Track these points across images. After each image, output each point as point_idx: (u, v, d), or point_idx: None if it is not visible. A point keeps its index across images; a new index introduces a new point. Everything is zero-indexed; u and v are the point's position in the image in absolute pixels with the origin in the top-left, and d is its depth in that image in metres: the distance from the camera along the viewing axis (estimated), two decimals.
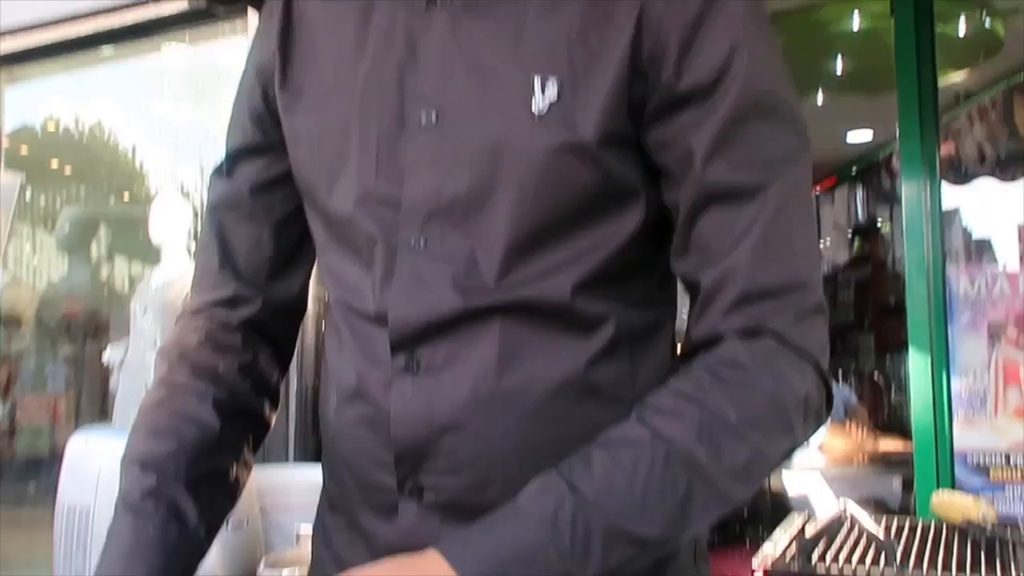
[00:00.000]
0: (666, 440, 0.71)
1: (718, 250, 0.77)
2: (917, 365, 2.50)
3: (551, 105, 0.77)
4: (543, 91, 0.77)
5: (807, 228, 0.81)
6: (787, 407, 0.75)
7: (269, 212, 0.95)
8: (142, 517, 0.83)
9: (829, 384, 0.79)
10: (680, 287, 0.88)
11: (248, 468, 0.95)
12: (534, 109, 0.77)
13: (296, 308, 1.01)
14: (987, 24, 3.77)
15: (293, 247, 0.96)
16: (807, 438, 0.79)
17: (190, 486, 0.86)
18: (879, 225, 6.39)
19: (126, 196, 5.23)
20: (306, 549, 2.28)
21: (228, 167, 0.97)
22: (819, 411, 0.78)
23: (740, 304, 0.76)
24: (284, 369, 1.01)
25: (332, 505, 0.95)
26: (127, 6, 3.27)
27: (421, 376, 0.81)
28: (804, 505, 2.66)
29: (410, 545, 0.80)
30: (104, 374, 4.10)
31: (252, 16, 3.06)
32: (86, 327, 4.60)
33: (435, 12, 0.82)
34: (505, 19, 0.80)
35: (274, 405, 0.99)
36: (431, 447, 0.81)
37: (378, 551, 0.74)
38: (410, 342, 0.81)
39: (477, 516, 0.80)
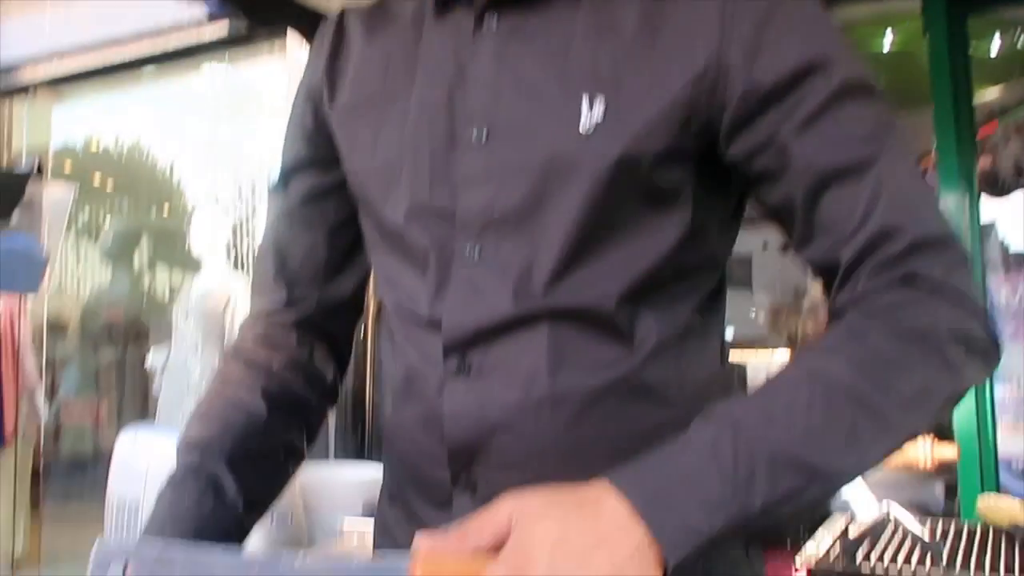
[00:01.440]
0: (824, 375, 0.71)
1: (853, 220, 0.76)
2: None
3: (599, 122, 0.79)
4: (591, 108, 0.79)
5: (929, 189, 0.80)
6: (946, 344, 0.73)
7: (323, 218, 0.98)
8: (181, 489, 0.85)
9: (993, 327, 0.76)
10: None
11: (298, 458, 0.97)
12: (582, 126, 0.79)
13: (351, 308, 1.02)
14: (1020, 43, 3.77)
15: (347, 250, 0.98)
16: (976, 380, 0.77)
17: (231, 464, 0.87)
18: None
19: (166, 209, 5.33)
20: (349, 543, 2.31)
21: (283, 183, 1.00)
22: (986, 351, 0.75)
23: (888, 264, 0.75)
24: (342, 367, 1.03)
25: (391, 497, 0.96)
26: (170, 31, 3.33)
27: (472, 378, 0.83)
28: (844, 508, 2.64)
29: None
30: (144, 378, 4.16)
31: (291, 38, 3.11)
32: (127, 333, 4.68)
33: (482, 38, 0.85)
34: (551, 42, 0.83)
35: (329, 400, 1.01)
36: (483, 446, 0.83)
37: None
38: (462, 346, 0.83)
39: None
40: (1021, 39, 3.69)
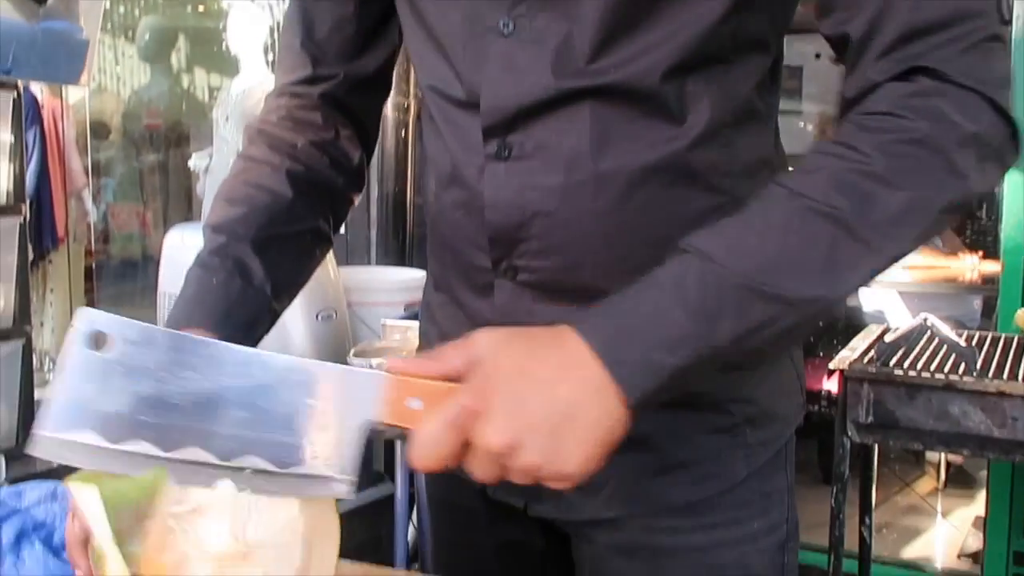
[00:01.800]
0: (802, 195, 0.68)
1: None
2: (1012, 183, 2.43)
3: None
4: None
5: None
6: (948, 148, 0.68)
7: None
8: (207, 270, 0.85)
9: (1012, 120, 0.70)
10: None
11: (324, 242, 0.97)
12: None
13: (379, 85, 0.99)
14: None
15: (376, 23, 0.95)
16: (989, 185, 0.73)
17: (257, 246, 0.87)
18: None
19: (202, 7, 5.20)
20: (391, 339, 2.39)
21: None
22: (1000, 150, 0.70)
23: (894, 46, 0.70)
24: (368, 149, 1.01)
25: (436, 284, 0.97)
26: None
27: (513, 161, 0.81)
28: (880, 322, 2.65)
29: (507, 320, 0.82)
30: (188, 180, 4.20)
31: None
32: (168, 137, 4.69)
33: None
34: None
35: (356, 184, 0.99)
36: (523, 231, 0.81)
37: (478, 325, 0.75)
38: (502, 128, 0.80)
39: (569, 295, 0.81)
40: None
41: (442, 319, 0.95)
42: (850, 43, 0.73)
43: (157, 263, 2.92)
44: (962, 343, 1.92)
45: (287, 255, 0.91)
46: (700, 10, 0.77)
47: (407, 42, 0.92)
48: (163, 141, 4.66)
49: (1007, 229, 2.46)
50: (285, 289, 0.91)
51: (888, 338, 1.99)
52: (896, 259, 0.70)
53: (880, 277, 0.71)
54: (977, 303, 3.14)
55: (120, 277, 4.60)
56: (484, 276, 0.85)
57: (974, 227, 3.49)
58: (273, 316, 0.90)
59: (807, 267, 0.67)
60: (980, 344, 2.02)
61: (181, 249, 2.65)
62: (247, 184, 0.91)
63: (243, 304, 0.85)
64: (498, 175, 0.82)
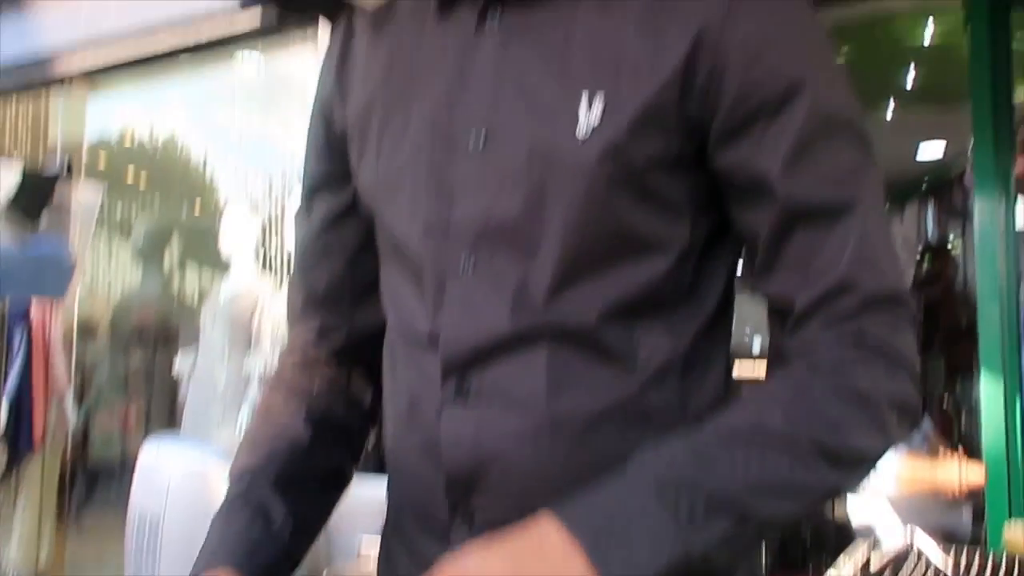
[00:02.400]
0: (764, 426, 0.72)
1: (814, 267, 0.76)
2: (990, 390, 2.44)
3: (597, 123, 0.77)
4: (589, 108, 0.78)
5: (891, 241, 0.81)
6: (884, 409, 0.75)
7: (344, 245, 0.98)
8: (231, 516, 0.87)
9: (921, 392, 0.79)
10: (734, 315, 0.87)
11: (344, 481, 0.99)
12: (580, 128, 0.78)
13: (383, 330, 1.03)
14: None
15: (372, 275, 0.98)
16: (900, 441, 0.80)
17: (278, 488, 0.89)
18: (950, 244, 6.22)
19: (197, 206, 5.36)
20: (367, 566, 2.29)
21: (306, 207, 1.00)
22: (914, 415, 0.78)
23: (841, 317, 0.76)
24: (380, 389, 1.02)
25: (393, 527, 0.96)
26: (203, 20, 3.36)
27: (471, 403, 0.82)
28: (869, 533, 2.59)
29: None
30: (173, 382, 4.20)
31: (323, 30, 3.12)
32: (156, 336, 4.72)
33: (484, 36, 0.84)
34: (553, 40, 0.81)
35: (370, 423, 1.02)
36: (481, 474, 0.82)
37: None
38: (461, 367, 0.82)
39: None
40: None
41: (399, 567, 0.93)
42: (795, 305, 0.78)
43: (135, 469, 2.86)
44: (949, 569, 1.87)
45: (308, 496, 0.92)
46: (649, 261, 0.80)
47: (382, 278, 0.95)
48: (151, 339, 4.68)
49: (987, 438, 2.45)
50: (306, 530, 0.92)
51: (874, 563, 1.93)
52: (841, 492, 0.78)
53: (870, 487, 0.79)
54: (967, 513, 3.08)
55: (96, 484, 4.50)
56: (441, 520, 0.84)
57: (958, 433, 3.48)
58: (293, 560, 0.90)
59: (768, 491, 0.71)
60: (968, 568, 1.96)
61: (156, 466, 2.59)
62: (267, 430, 0.94)
63: (265, 547, 0.86)
64: (456, 416, 0.82)
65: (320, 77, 0.99)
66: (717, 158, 0.79)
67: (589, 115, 0.78)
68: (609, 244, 0.79)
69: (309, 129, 1.00)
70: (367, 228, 0.95)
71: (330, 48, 0.99)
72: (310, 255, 0.99)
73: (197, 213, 5.30)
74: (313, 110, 1.00)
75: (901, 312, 0.77)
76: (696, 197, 0.81)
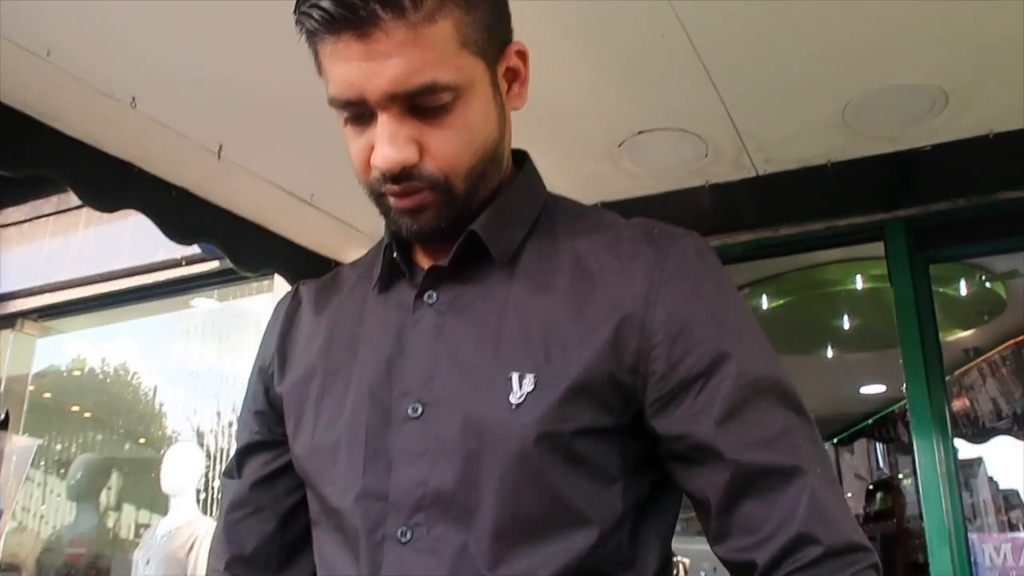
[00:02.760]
0: None
1: (770, 526, 0.78)
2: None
3: (527, 397, 0.80)
4: (520, 385, 0.81)
5: (842, 495, 0.83)
6: None
7: (275, 505, 0.98)
8: None
9: None
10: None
11: None
12: (512, 400, 0.81)
13: None
14: (988, 285, 3.88)
15: (301, 537, 0.97)
16: None
17: None
18: (901, 477, 6.26)
19: (142, 440, 5.25)
20: None
21: (237, 466, 1.01)
22: None
23: (805, 565, 0.78)
24: None
25: None
26: (162, 266, 3.44)
27: None
28: None
29: None
30: None
31: (279, 276, 3.20)
32: (87, 574, 4.47)
33: (423, 310, 0.88)
34: (486, 317, 0.86)
35: None
36: None
37: None
38: None
39: None
40: (986, 282, 3.79)
41: None
42: (756, 567, 0.79)
43: None
44: None
45: None
46: (585, 529, 0.81)
47: (314, 542, 0.93)
48: None
49: None
50: None
51: None
52: None
53: None
54: None
55: None
56: None
57: None
58: None
59: None
60: None
61: None
62: None
63: None
64: None
65: (263, 341, 1.03)
66: (656, 424, 0.82)
67: (520, 390, 0.81)
68: (543, 513, 0.80)
69: (247, 390, 1.02)
70: (299, 488, 0.95)
71: (275, 317, 1.02)
72: (239, 513, 0.98)
73: (143, 442, 5.18)
74: (251, 376, 1.02)
75: (862, 558, 0.79)
76: (629, 462, 0.83)
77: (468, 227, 0.87)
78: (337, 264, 3.17)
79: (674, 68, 2.09)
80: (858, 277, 3.77)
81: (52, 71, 2.00)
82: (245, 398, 1.02)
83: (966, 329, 4.31)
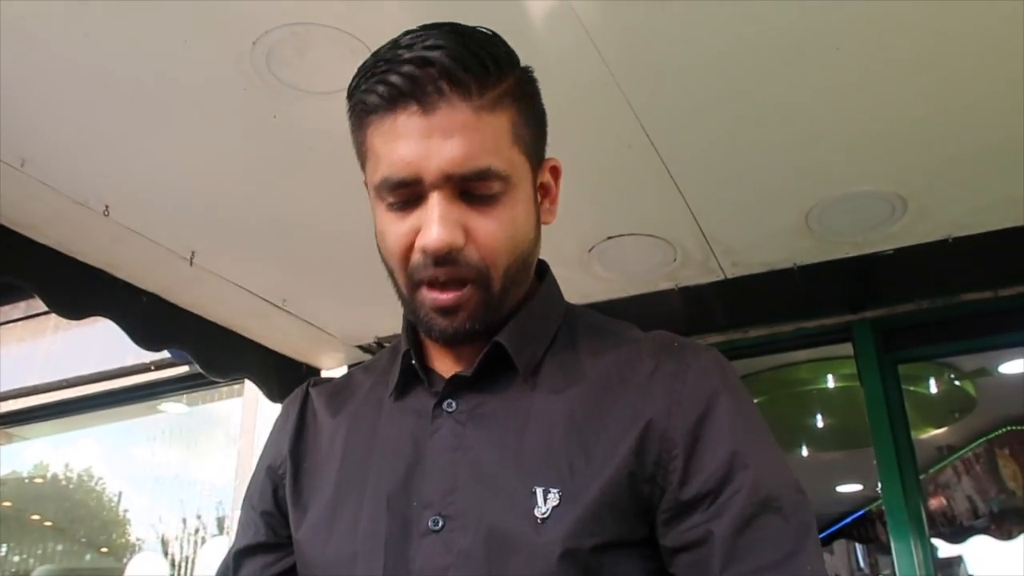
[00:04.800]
0: None
1: None
2: None
3: (553, 512, 0.79)
4: (545, 500, 0.80)
5: None
6: None
7: None
8: None
9: None
10: None
11: None
12: (537, 514, 0.79)
13: None
14: (957, 383, 3.92)
15: None
16: None
17: None
18: None
19: (104, 549, 5.08)
20: None
21: (233, 568, 0.96)
22: None
23: None
24: None
25: None
26: (129, 372, 3.39)
27: None
28: None
29: None
30: None
31: (248, 382, 3.16)
32: None
33: (440, 420, 0.87)
34: (507, 428, 0.85)
35: None
36: None
37: None
38: None
39: None
40: (955, 380, 3.83)
41: None
42: None
43: None
44: None
45: None
46: None
47: None
48: None
49: None
50: None
51: None
52: None
53: None
54: None
55: None
56: None
57: None
58: None
59: None
60: None
61: None
62: None
63: None
64: None
65: (271, 440, 0.99)
66: (665, 537, 0.82)
67: (544, 505, 0.80)
68: None
69: (250, 487, 0.98)
70: None
71: (285, 417, 0.99)
72: None
73: (104, 552, 5.01)
74: (256, 474, 0.98)
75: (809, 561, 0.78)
76: (651, 571, 0.83)
77: (493, 337, 0.87)
78: (309, 369, 3.14)
79: (641, 176, 2.14)
80: (829, 376, 3.79)
81: (26, 181, 2.01)
82: (247, 496, 0.99)
83: (939, 427, 4.33)
